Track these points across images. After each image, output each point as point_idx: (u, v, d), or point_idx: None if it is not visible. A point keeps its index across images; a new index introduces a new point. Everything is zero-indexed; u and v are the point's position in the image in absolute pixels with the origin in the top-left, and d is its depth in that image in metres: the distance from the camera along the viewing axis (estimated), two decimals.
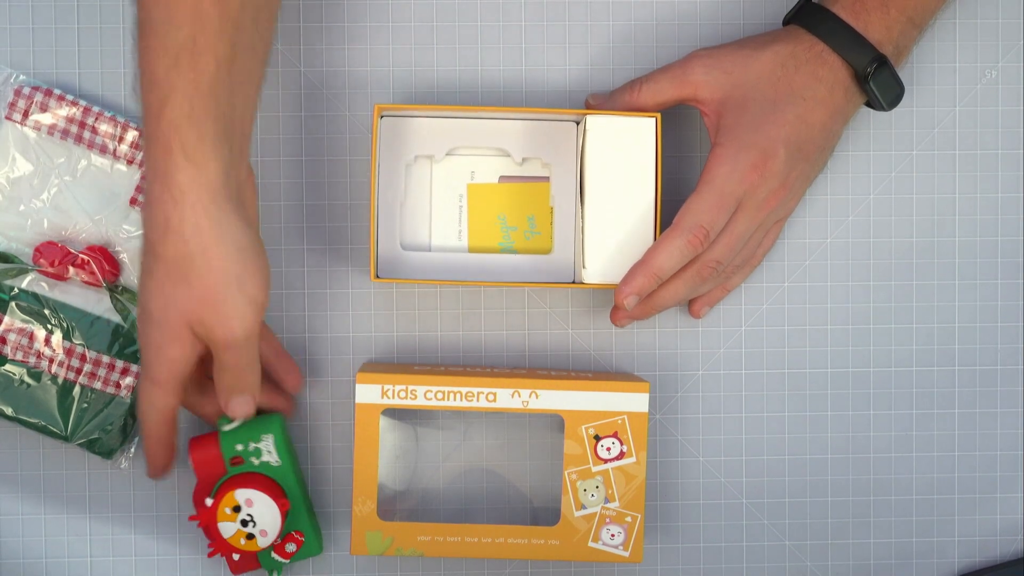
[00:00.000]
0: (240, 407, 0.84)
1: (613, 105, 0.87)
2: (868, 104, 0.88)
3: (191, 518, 0.85)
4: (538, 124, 0.88)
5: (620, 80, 0.93)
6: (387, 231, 0.88)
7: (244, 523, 0.85)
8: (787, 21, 0.88)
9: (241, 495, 0.84)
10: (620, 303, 0.84)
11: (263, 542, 0.85)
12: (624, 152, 0.85)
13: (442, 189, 0.89)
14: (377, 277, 0.87)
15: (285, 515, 0.85)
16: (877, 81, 0.85)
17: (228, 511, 0.85)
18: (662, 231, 0.88)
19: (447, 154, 0.89)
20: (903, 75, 0.93)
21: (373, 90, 0.92)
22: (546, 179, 0.89)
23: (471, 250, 0.89)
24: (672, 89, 0.86)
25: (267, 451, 0.87)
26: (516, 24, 0.92)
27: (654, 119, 0.86)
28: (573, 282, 0.89)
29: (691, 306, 0.91)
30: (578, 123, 0.89)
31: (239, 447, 0.86)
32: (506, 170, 0.89)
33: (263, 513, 0.85)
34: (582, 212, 0.86)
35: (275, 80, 0.92)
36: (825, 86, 0.84)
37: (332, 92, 0.92)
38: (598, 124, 0.85)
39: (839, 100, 0.85)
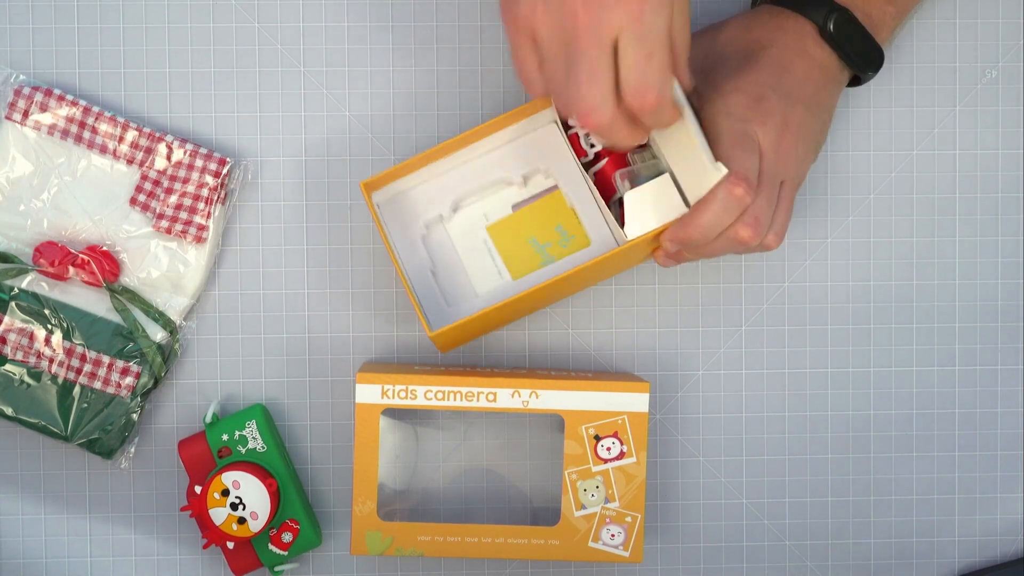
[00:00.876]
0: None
1: None
2: (855, 81, 0.87)
3: (183, 508, 0.86)
4: (523, 140, 0.88)
5: None
6: (426, 295, 0.87)
7: (234, 507, 0.86)
8: (753, 4, 0.89)
9: (228, 478, 0.86)
10: (663, 244, 0.82)
11: (255, 525, 0.86)
12: None
13: (465, 243, 0.88)
14: (432, 331, 0.85)
15: (275, 496, 0.86)
16: (841, 33, 0.84)
17: (217, 496, 0.86)
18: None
19: (454, 210, 0.88)
20: (901, 74, 0.93)
21: (373, 89, 0.92)
22: (555, 187, 0.89)
23: (515, 278, 0.88)
24: None
25: (252, 437, 0.88)
26: None
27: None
28: (619, 246, 0.86)
29: (654, 252, 0.86)
30: (555, 121, 0.88)
31: (225, 437, 0.88)
32: (515, 197, 0.88)
33: (251, 494, 0.86)
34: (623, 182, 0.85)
35: (275, 79, 0.92)
36: (792, 36, 0.84)
37: (332, 92, 0.92)
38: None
39: (813, 49, 0.84)
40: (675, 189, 0.83)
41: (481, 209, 0.88)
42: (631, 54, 0.74)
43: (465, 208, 0.88)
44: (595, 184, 0.87)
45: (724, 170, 0.80)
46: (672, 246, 0.82)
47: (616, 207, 0.86)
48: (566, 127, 0.87)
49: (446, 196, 0.87)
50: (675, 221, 0.82)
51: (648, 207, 0.83)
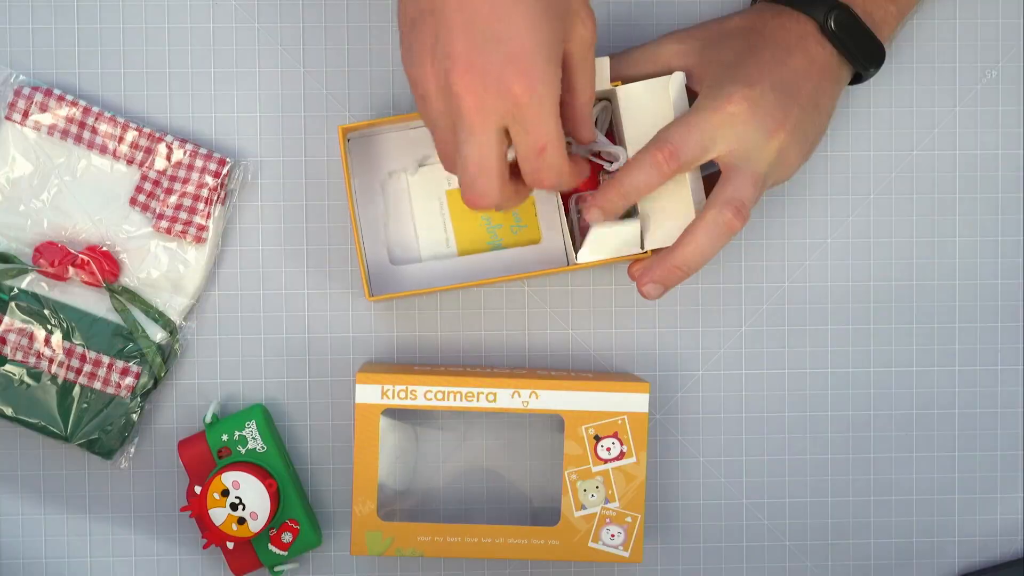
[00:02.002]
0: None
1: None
2: (857, 79, 0.88)
3: (182, 509, 0.86)
4: None
5: None
6: (374, 249, 0.88)
7: (234, 507, 0.86)
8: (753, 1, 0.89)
9: (228, 478, 0.86)
10: (587, 213, 0.82)
11: (255, 526, 0.86)
12: (655, 115, 0.84)
13: (422, 200, 0.89)
14: (372, 295, 0.86)
15: (275, 496, 0.86)
16: (842, 30, 0.84)
17: (217, 496, 0.86)
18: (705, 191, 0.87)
19: (420, 165, 0.89)
20: (901, 74, 0.93)
21: (373, 89, 0.92)
22: None
23: (460, 254, 0.89)
24: (646, 62, 0.86)
25: (252, 438, 0.88)
26: None
27: (681, 74, 0.84)
28: (568, 265, 0.88)
29: (638, 281, 0.84)
30: None
31: (224, 437, 0.88)
32: None
33: (251, 494, 0.86)
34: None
35: (276, 80, 0.92)
36: (795, 35, 0.84)
37: (332, 92, 0.92)
38: (629, 93, 0.84)
39: (814, 49, 0.84)
40: (639, 235, 0.84)
41: (446, 171, 0.89)
42: (523, 145, 0.75)
43: (431, 166, 0.89)
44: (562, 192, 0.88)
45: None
46: (656, 288, 0.84)
47: (574, 217, 0.87)
48: None
49: (416, 148, 0.88)
50: (654, 257, 0.84)
51: (608, 242, 0.85)
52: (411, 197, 0.89)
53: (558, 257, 0.89)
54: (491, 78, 0.72)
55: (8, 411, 0.89)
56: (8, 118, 0.89)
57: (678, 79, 0.84)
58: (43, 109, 0.89)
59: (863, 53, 0.85)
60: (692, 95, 0.86)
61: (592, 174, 0.88)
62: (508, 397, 0.86)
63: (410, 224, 0.89)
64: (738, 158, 0.81)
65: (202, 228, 0.90)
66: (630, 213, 0.86)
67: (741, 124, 0.81)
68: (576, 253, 0.85)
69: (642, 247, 0.85)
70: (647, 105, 0.84)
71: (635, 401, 0.86)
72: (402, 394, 0.86)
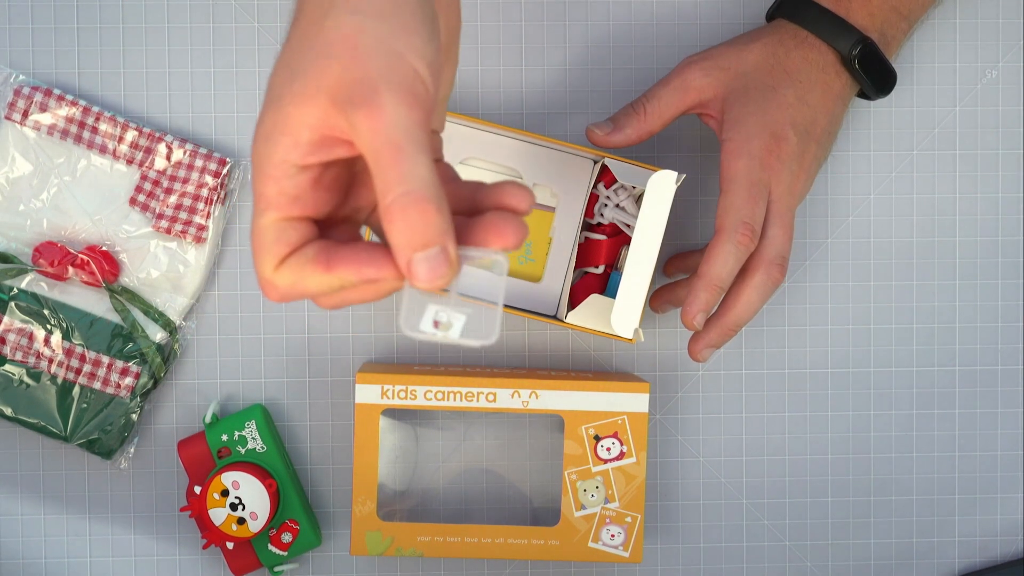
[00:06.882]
0: (428, 266, 0.55)
1: (624, 135, 0.85)
2: (861, 94, 0.88)
3: (182, 509, 0.86)
4: (555, 153, 0.88)
5: (620, 80, 0.93)
6: None
7: (233, 507, 0.86)
8: (770, 16, 0.88)
9: (227, 478, 0.86)
10: (690, 324, 0.81)
11: (255, 526, 0.86)
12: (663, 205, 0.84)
13: None
14: None
15: (275, 496, 0.87)
16: (864, 64, 0.85)
17: (217, 496, 0.86)
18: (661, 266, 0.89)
19: (460, 163, 0.88)
20: (901, 74, 0.93)
21: None
22: (552, 209, 0.89)
23: None
24: (678, 101, 0.85)
25: (251, 438, 0.88)
26: (515, 23, 0.92)
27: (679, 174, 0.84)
28: (555, 317, 0.88)
29: (691, 347, 0.84)
30: (596, 162, 0.88)
31: (224, 438, 0.88)
32: None
33: (251, 494, 0.86)
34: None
35: None
36: (817, 68, 0.85)
37: None
38: (662, 179, 0.83)
39: (833, 81, 0.85)
40: (637, 315, 0.83)
41: (480, 178, 0.89)
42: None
43: (468, 167, 0.88)
44: (579, 245, 0.88)
45: (637, 337, 0.83)
46: (699, 316, 0.82)
47: (574, 274, 0.88)
48: (598, 179, 0.88)
49: (460, 145, 0.88)
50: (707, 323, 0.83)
51: (600, 313, 0.86)
52: None
53: (550, 303, 0.89)
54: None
55: (8, 411, 0.89)
56: (8, 118, 0.89)
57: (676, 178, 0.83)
58: (43, 109, 0.89)
59: (878, 84, 0.86)
60: (704, 115, 0.86)
61: (614, 246, 0.88)
62: (508, 397, 0.86)
63: None
64: (771, 206, 0.83)
65: (202, 228, 0.90)
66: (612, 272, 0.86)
67: (774, 176, 0.82)
68: (568, 313, 0.86)
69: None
70: (666, 194, 0.83)
71: (635, 401, 0.86)
72: (402, 394, 0.86)
